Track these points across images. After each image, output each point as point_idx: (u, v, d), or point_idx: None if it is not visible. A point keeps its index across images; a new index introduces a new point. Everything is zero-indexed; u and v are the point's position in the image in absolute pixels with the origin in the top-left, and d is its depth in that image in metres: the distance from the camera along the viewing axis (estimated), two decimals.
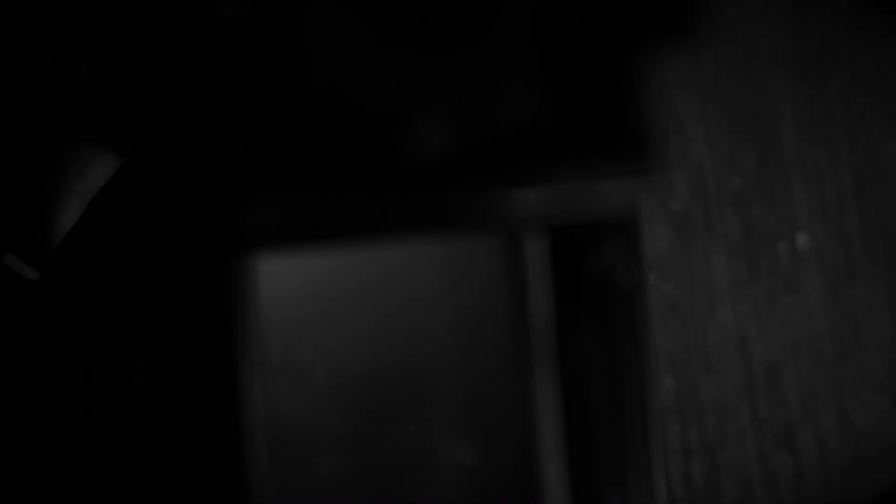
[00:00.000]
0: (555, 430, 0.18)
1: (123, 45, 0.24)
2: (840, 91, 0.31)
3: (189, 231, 0.17)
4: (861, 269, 0.31)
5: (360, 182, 0.15)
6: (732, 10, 0.30)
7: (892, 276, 0.31)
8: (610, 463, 0.19)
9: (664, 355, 0.30)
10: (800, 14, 0.31)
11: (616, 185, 0.18)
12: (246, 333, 0.18)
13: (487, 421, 0.19)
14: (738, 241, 0.31)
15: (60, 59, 0.25)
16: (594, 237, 0.19)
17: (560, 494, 0.19)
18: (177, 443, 0.19)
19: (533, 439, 0.18)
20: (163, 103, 0.23)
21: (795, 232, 0.31)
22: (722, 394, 0.31)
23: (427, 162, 0.15)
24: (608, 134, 0.17)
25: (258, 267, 0.18)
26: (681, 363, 0.31)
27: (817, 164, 0.31)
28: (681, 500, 0.31)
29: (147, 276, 0.19)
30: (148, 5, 0.24)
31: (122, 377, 0.23)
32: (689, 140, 0.31)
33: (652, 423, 0.19)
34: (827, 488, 0.32)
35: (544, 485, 0.18)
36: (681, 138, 0.31)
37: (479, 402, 0.19)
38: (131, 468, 0.22)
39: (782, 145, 0.31)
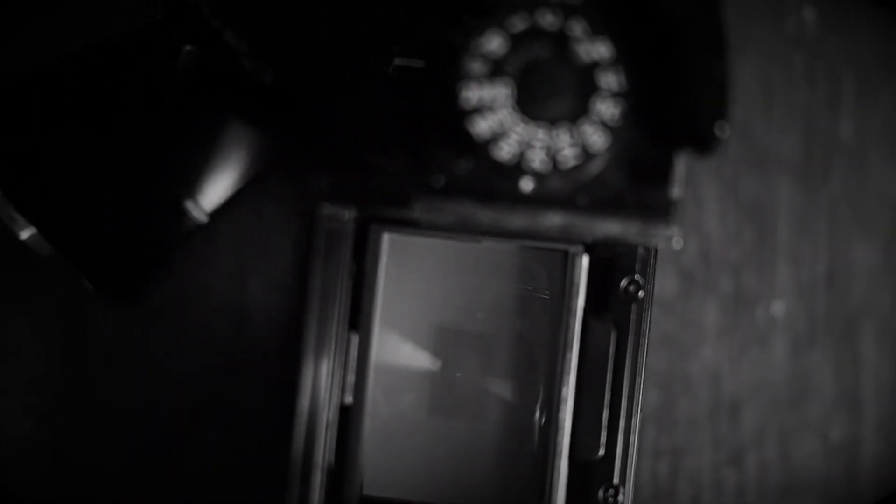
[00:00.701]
0: (570, 388, 0.27)
1: (300, 60, 0.32)
2: (829, 198, 0.39)
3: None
4: (819, 338, 0.39)
5: (481, 200, 0.24)
6: (755, 122, 0.39)
7: (842, 349, 0.39)
8: (601, 417, 0.27)
9: (655, 373, 0.38)
10: (807, 134, 0.39)
11: (646, 235, 0.26)
12: (371, 285, 0.26)
13: (526, 375, 0.27)
14: (728, 299, 0.39)
15: (254, 64, 0.34)
16: (623, 266, 0.27)
17: (564, 432, 0.27)
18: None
19: (555, 393, 0.27)
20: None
21: (773, 300, 0.39)
22: (693, 413, 0.39)
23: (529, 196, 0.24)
24: (650, 201, 0.25)
25: (389, 241, 0.27)
26: (665, 382, 0.39)
27: (800, 251, 0.39)
28: (646, 490, 0.39)
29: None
30: (328, 30, 0.31)
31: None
32: (705, 216, 0.39)
33: (636, 399, 0.27)
34: (762, 503, 0.40)
35: (555, 421, 0.26)
36: (699, 213, 0.39)
37: (522, 361, 0.28)
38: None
39: (776, 232, 0.39)
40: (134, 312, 0.38)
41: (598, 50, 0.23)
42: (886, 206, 0.40)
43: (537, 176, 0.22)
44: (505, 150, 0.23)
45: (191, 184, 0.34)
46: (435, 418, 0.27)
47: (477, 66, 0.23)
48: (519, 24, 0.23)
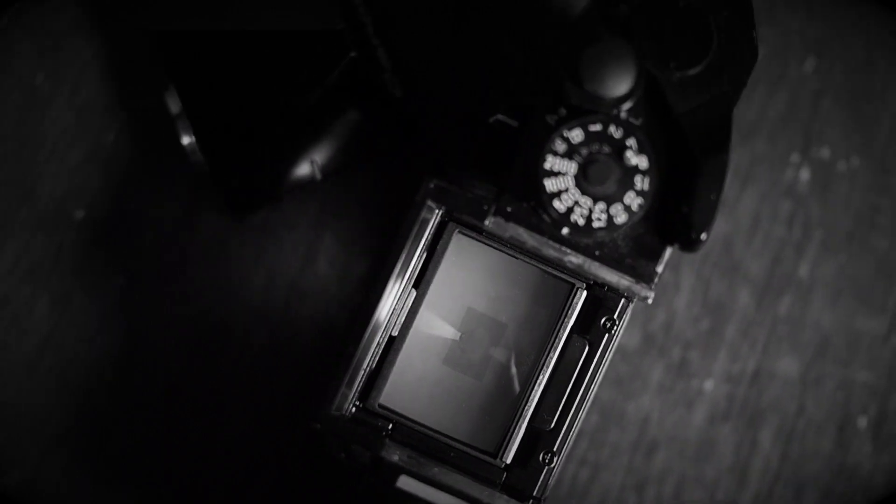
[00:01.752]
0: (545, 376, 0.37)
1: (427, 88, 0.42)
2: (773, 317, 0.49)
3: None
4: (732, 418, 0.49)
5: (532, 231, 0.35)
6: (738, 242, 0.49)
7: (746, 432, 0.49)
8: (559, 402, 0.38)
9: (601, 402, 0.49)
10: (773, 263, 0.50)
11: (630, 291, 0.37)
12: (436, 262, 0.37)
13: (519, 358, 0.38)
14: (674, 366, 0.49)
15: (392, 80, 0.44)
16: (607, 306, 0.37)
17: (531, 405, 0.37)
18: None
19: (534, 376, 0.37)
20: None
21: (707, 378, 0.49)
22: (619, 441, 0.49)
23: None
24: (641, 269, 0.36)
25: (457, 238, 0.37)
26: (607, 411, 0.49)
27: (739, 349, 0.50)
28: (565, 487, 0.49)
29: None
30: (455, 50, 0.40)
31: None
32: (678, 297, 0.49)
33: (587, 401, 0.38)
34: None
35: (528, 396, 0.37)
36: (674, 293, 0.50)
37: (520, 348, 0.38)
38: None
39: (726, 328, 0.49)
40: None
41: (640, 160, 0.34)
42: (816, 336, 0.50)
43: (575, 228, 0.33)
44: (560, 205, 0.33)
45: (319, 150, 0.44)
46: (447, 369, 0.37)
47: (559, 145, 0.34)
48: (595, 127, 0.33)
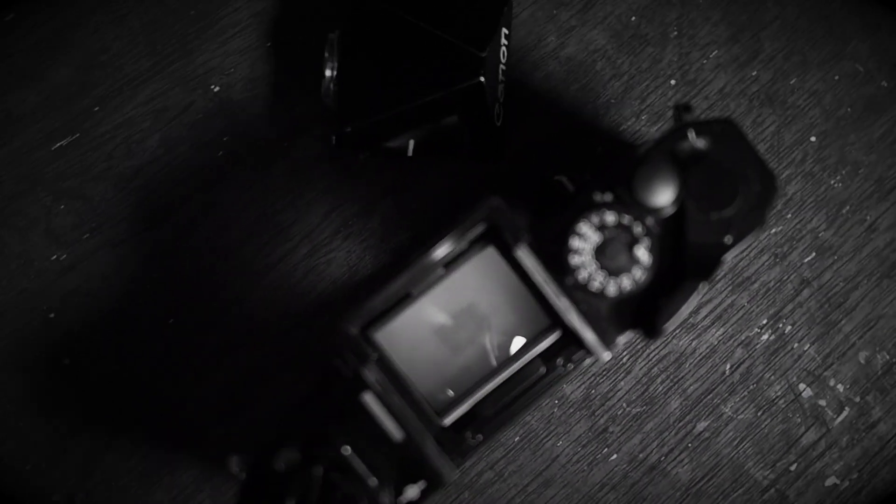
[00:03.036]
0: (505, 375, 0.47)
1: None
2: (696, 431, 0.59)
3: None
4: (618, 492, 0.59)
5: (553, 280, 0.44)
6: (687, 359, 0.59)
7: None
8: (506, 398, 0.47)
9: (529, 426, 0.58)
10: (711, 381, 0.59)
11: (591, 351, 0.46)
12: (466, 257, 0.47)
13: (494, 353, 0.47)
14: (596, 431, 0.58)
15: (498, 111, 0.54)
16: (568, 352, 0.47)
17: (486, 391, 0.47)
18: None
19: (499, 372, 0.47)
20: None
21: (615, 452, 0.59)
22: (526, 464, 0.58)
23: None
24: (609, 339, 0.45)
25: (490, 252, 0.47)
26: (529, 437, 0.58)
27: (651, 441, 0.59)
28: (468, 478, 0.58)
29: None
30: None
31: None
32: (626, 377, 0.59)
33: (528, 407, 0.47)
34: None
35: (486, 383, 0.47)
36: (624, 374, 0.59)
37: (497, 347, 0.48)
38: None
39: (649, 421, 0.59)
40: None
41: (645, 258, 0.43)
42: (712, 462, 0.59)
43: (585, 291, 0.43)
44: (578, 275, 0.43)
45: (420, 134, 0.54)
46: (436, 340, 0.47)
47: (594, 217, 0.43)
48: (625, 220, 0.43)
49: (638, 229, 0.43)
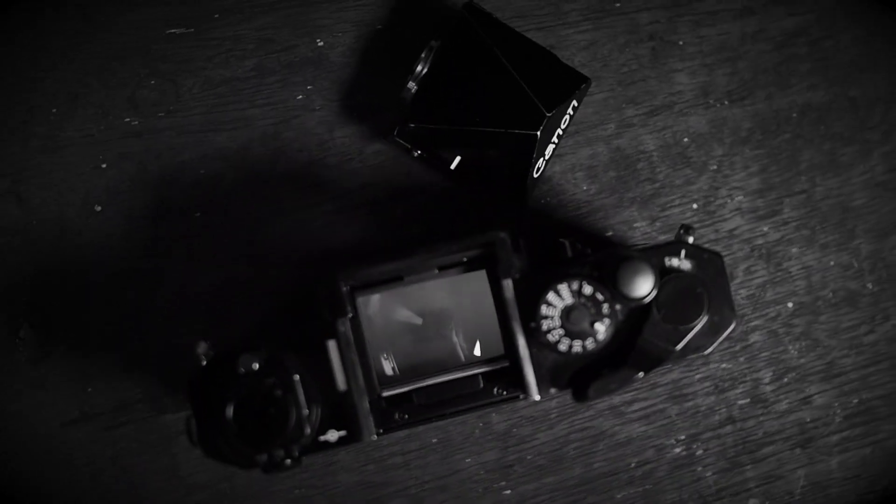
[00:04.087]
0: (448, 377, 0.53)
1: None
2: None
3: None
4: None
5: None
6: (602, 438, 0.65)
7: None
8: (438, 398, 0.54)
9: (447, 435, 0.65)
10: (614, 464, 0.66)
11: (521, 389, 0.53)
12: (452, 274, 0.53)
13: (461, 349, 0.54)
14: (500, 465, 0.65)
15: (535, 161, 0.61)
16: (506, 384, 0.54)
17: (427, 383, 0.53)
18: None
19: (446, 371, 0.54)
20: None
21: (507, 490, 0.65)
22: (427, 467, 0.65)
23: None
24: (541, 381, 0.52)
25: (479, 275, 0.54)
26: (443, 442, 0.65)
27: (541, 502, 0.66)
28: (378, 455, 0.65)
29: None
30: None
31: None
32: (546, 431, 0.65)
33: None
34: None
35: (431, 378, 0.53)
36: (547, 427, 0.66)
37: (469, 333, 0.54)
38: None
39: (549, 477, 0.65)
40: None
41: (601, 333, 0.50)
42: None
43: (541, 340, 0.50)
44: (547, 336, 0.50)
45: (466, 158, 0.61)
46: (406, 324, 0.54)
47: (572, 285, 0.50)
48: (600, 297, 0.50)
49: (605, 308, 0.50)
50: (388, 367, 0.54)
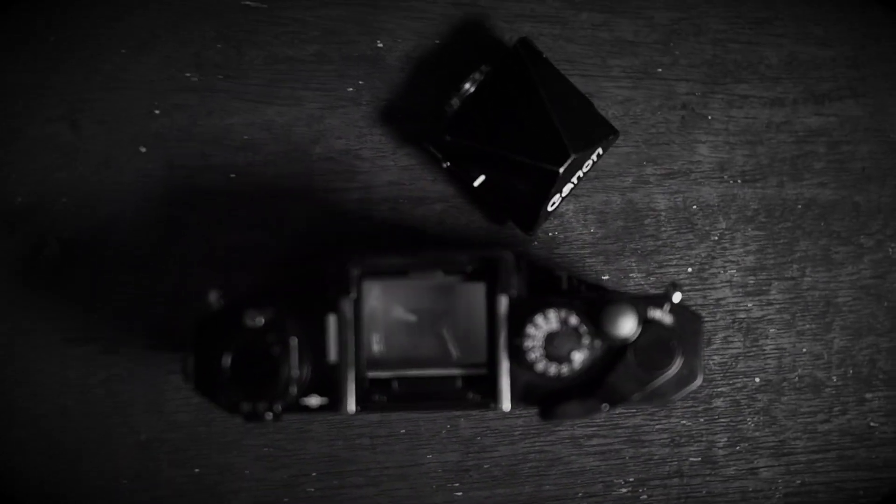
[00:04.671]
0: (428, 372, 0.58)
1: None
2: None
3: None
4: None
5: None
6: (556, 464, 0.69)
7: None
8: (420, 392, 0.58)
9: (417, 428, 0.69)
10: (565, 488, 0.70)
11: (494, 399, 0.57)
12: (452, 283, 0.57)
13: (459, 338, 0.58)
14: (459, 470, 0.69)
15: (553, 192, 0.65)
16: (481, 392, 0.58)
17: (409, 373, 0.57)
18: None
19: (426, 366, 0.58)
20: None
21: (458, 491, 0.69)
22: (389, 456, 0.69)
23: None
24: (515, 394, 0.56)
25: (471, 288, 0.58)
26: (410, 434, 0.69)
27: None
28: (351, 433, 0.69)
29: None
30: None
31: None
32: (512, 445, 0.69)
33: None
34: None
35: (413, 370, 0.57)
36: (509, 442, 0.70)
37: (458, 338, 0.58)
38: None
39: (500, 489, 0.70)
40: None
41: (577, 362, 0.54)
42: None
43: (520, 357, 0.54)
44: (528, 354, 0.54)
45: (490, 178, 0.66)
46: (400, 316, 0.58)
47: (539, 319, 0.54)
48: (583, 330, 0.54)
49: (586, 340, 0.54)
50: (377, 348, 0.58)
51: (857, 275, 0.69)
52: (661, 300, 0.56)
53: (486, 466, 0.68)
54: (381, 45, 0.68)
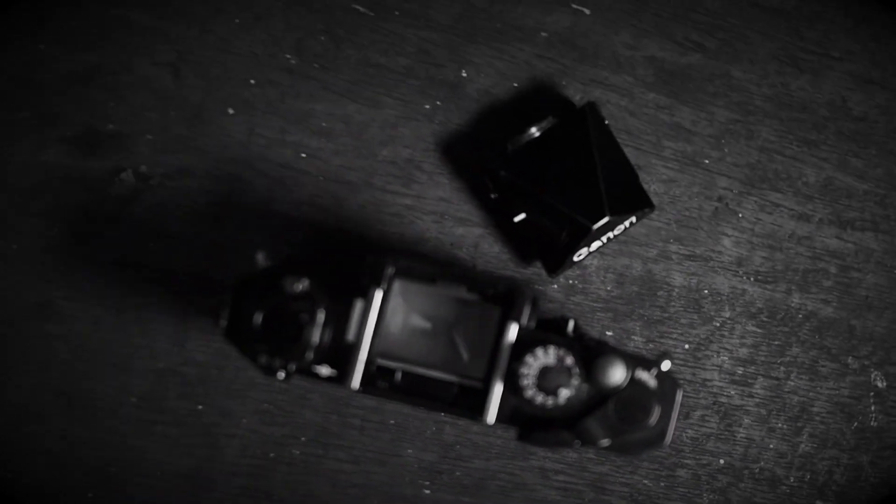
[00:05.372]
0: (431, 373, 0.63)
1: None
2: None
3: None
4: None
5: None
6: (530, 480, 0.75)
7: None
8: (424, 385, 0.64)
9: (394, 420, 0.74)
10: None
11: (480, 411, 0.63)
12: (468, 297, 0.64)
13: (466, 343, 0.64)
14: (432, 471, 0.75)
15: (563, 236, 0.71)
16: (476, 402, 0.64)
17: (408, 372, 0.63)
18: None
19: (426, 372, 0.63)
20: None
21: (425, 489, 0.75)
22: (371, 444, 0.75)
23: None
24: (502, 413, 0.62)
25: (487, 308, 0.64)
26: (398, 427, 0.74)
27: None
28: (346, 412, 0.75)
29: None
30: None
31: None
32: (489, 459, 0.75)
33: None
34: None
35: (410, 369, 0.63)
36: (485, 456, 0.75)
37: (468, 342, 0.63)
38: None
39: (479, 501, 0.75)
40: None
41: (563, 399, 0.60)
42: None
43: (514, 381, 0.60)
44: (521, 380, 0.60)
45: (528, 218, 0.72)
46: (419, 317, 0.63)
47: (539, 351, 0.60)
48: (575, 371, 0.60)
49: (575, 381, 0.60)
50: (391, 340, 0.64)
51: (836, 391, 0.74)
52: (651, 364, 0.61)
53: (457, 473, 0.73)
54: (465, 74, 0.74)
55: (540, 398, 0.60)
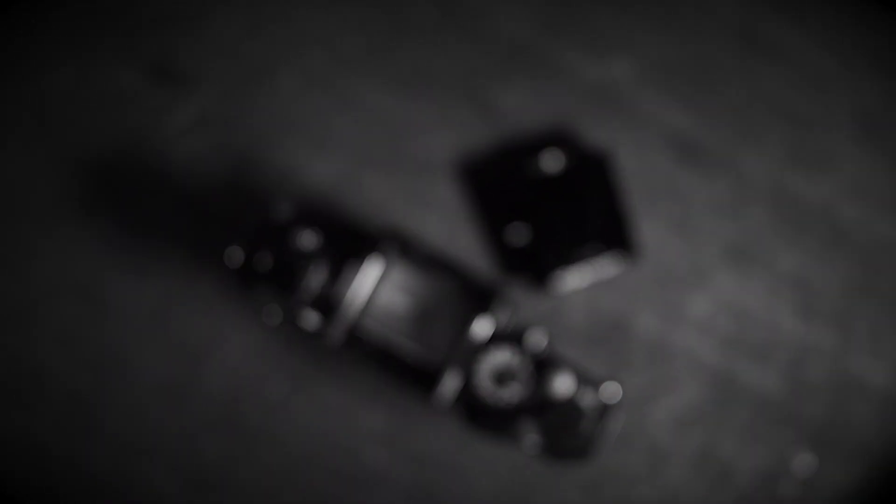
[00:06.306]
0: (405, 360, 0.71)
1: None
2: None
3: None
4: None
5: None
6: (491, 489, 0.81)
7: None
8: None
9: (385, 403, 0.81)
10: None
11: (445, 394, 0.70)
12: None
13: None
14: (408, 459, 0.81)
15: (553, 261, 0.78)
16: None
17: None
18: None
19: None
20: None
21: (382, 475, 0.81)
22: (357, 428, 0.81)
23: None
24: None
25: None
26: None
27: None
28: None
29: None
30: None
31: None
32: (465, 454, 0.81)
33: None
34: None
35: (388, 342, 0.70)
36: (457, 452, 0.81)
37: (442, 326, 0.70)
38: None
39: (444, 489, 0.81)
40: None
41: (509, 394, 0.67)
42: None
43: (470, 378, 0.66)
44: (476, 367, 0.67)
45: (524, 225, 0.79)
46: (404, 308, 0.70)
47: (503, 350, 0.67)
48: (519, 356, 0.67)
49: (524, 384, 0.67)
50: (378, 305, 0.70)
51: (764, 461, 0.80)
52: (598, 388, 0.68)
53: (401, 447, 0.77)
54: (499, 98, 0.80)
55: (491, 389, 0.67)
